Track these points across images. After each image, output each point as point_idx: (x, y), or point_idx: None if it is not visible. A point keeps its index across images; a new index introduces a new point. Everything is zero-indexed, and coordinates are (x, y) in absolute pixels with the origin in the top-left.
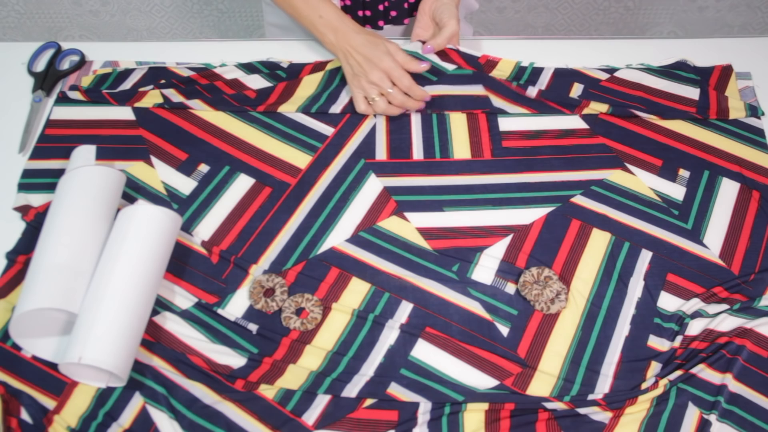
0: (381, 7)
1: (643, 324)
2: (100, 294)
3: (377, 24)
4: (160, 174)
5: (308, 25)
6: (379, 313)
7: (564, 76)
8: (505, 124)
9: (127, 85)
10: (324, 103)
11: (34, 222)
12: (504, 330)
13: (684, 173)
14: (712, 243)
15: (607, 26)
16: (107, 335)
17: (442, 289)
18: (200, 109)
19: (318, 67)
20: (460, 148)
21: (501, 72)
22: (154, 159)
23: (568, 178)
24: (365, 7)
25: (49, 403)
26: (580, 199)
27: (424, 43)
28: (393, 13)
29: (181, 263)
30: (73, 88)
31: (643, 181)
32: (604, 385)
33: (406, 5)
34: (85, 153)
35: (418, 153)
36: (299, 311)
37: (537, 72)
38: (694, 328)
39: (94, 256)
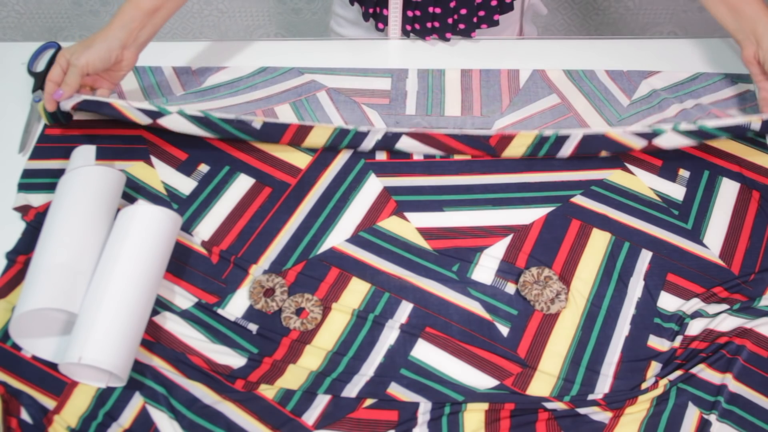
0: (450, 20)
1: (643, 324)
2: (100, 294)
3: (445, 35)
4: (160, 174)
5: None
6: (379, 313)
7: (591, 144)
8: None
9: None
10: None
11: (34, 222)
12: (504, 330)
13: (684, 173)
14: (712, 243)
15: (607, 26)
16: (107, 335)
17: (442, 289)
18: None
19: (300, 133)
20: None
21: (516, 149)
22: (154, 159)
23: (568, 178)
24: (434, 19)
25: (49, 403)
26: (580, 199)
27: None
28: (461, 26)
29: (181, 263)
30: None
31: (643, 181)
32: (604, 385)
33: (474, 19)
34: (85, 153)
35: (418, 153)
36: (299, 311)
37: (560, 141)
38: (694, 328)
39: (94, 256)
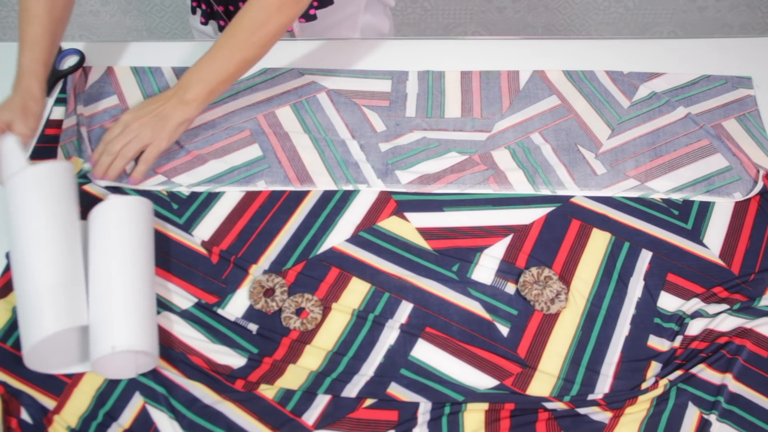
0: None
1: (643, 324)
2: (107, 290)
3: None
4: None
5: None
6: (379, 313)
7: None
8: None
9: None
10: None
11: None
12: (504, 330)
13: None
14: (712, 243)
15: (607, 26)
16: (129, 321)
17: (442, 289)
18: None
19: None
20: None
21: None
22: None
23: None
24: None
25: (49, 403)
26: (580, 199)
27: None
28: None
29: (181, 263)
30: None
31: None
32: (604, 385)
33: None
34: (10, 144)
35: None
36: (299, 311)
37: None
38: (694, 328)
39: (78, 258)
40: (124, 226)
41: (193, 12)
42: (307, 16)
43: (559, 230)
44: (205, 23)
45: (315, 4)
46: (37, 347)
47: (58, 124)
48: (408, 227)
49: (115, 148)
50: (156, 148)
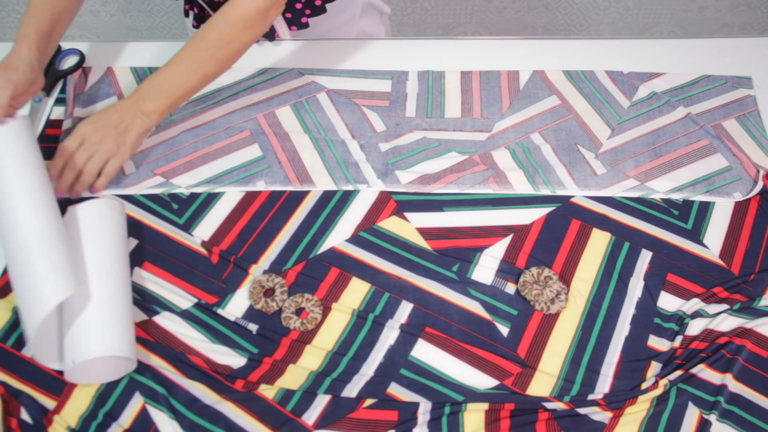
0: None
1: (643, 324)
2: (71, 301)
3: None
4: None
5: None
6: (379, 313)
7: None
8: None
9: None
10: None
11: None
12: (504, 330)
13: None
14: (712, 243)
15: (607, 26)
16: (90, 329)
17: (442, 289)
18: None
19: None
20: None
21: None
22: None
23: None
24: None
25: (49, 403)
26: (580, 199)
27: None
28: None
29: (181, 263)
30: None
31: None
32: (604, 385)
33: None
34: None
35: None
36: (299, 311)
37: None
38: (694, 328)
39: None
40: (86, 233)
41: (186, 15)
42: (299, 24)
43: (559, 230)
44: (197, 27)
45: (307, 12)
46: (40, 331)
47: (58, 124)
48: (408, 227)
49: (79, 162)
50: (119, 160)
